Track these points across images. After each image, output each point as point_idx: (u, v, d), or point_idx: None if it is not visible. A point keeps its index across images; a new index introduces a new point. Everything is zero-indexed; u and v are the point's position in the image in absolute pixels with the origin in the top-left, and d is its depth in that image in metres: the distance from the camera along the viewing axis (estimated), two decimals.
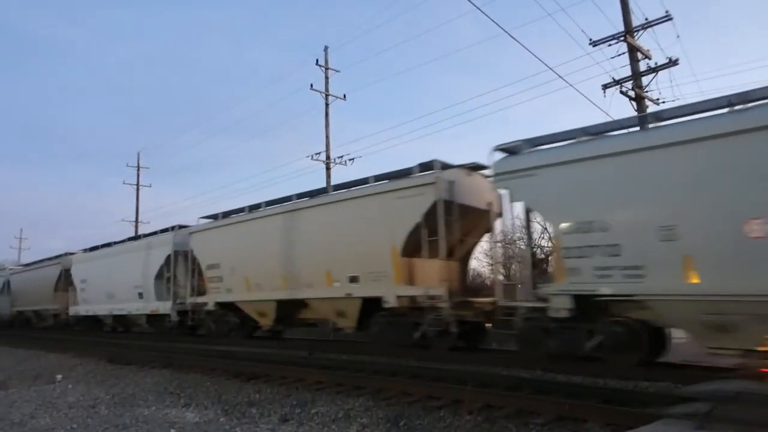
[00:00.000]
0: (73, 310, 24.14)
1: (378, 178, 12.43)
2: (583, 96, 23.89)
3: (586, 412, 5.80)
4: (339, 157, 23.77)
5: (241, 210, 16.13)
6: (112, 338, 19.51)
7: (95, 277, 22.50)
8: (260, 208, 15.34)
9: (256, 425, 6.48)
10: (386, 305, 11.38)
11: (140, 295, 19.42)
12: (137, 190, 38.07)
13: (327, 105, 24.01)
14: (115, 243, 22.90)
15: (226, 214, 16.66)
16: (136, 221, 37.56)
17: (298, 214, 13.76)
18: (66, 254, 25.99)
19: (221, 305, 16.12)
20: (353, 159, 23.74)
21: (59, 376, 11.02)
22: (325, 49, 24.59)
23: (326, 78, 24.23)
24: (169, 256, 18.40)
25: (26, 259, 44.99)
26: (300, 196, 14.42)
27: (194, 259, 17.31)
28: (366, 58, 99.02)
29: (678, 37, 20.12)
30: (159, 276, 18.67)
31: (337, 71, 24.61)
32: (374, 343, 11.97)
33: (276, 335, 16.19)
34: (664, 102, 16.55)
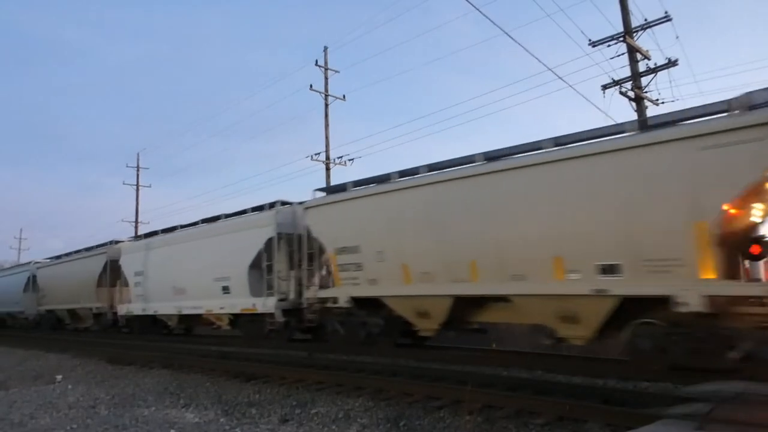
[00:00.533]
0: (123, 309, 20.27)
1: (643, 124, 8.77)
2: (582, 96, 23.96)
3: (586, 413, 5.81)
4: (339, 158, 23.83)
5: (384, 177, 11.96)
6: (111, 339, 19.23)
7: (157, 269, 18.64)
8: (418, 173, 11.30)
9: (256, 425, 6.48)
10: (683, 309, 7.66)
11: (225, 289, 15.56)
12: (137, 190, 38.07)
13: (326, 105, 24.05)
14: (183, 226, 18.84)
15: (365, 182, 12.50)
16: (136, 221, 37.58)
17: (507, 176, 9.68)
18: (113, 242, 22.46)
19: (358, 301, 12.12)
20: (353, 159, 23.81)
21: (59, 377, 11.02)
22: (325, 49, 24.63)
23: (326, 78, 24.26)
24: (270, 240, 14.36)
25: (26, 259, 44.83)
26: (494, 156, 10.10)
27: (312, 242, 13.43)
28: (366, 59, 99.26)
29: (677, 37, 20.18)
30: (254, 265, 14.70)
31: (336, 71, 24.66)
32: (638, 364, 8.25)
33: (418, 342, 12.18)
34: (663, 102, 16.61)
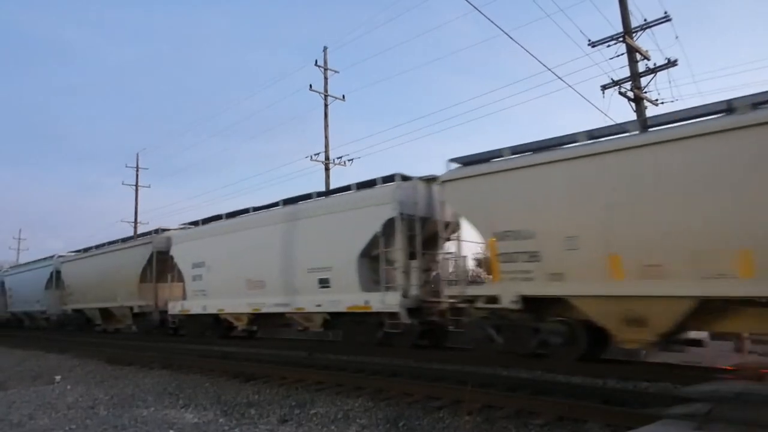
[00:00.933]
0: (175, 307, 17.36)
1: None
2: (581, 97, 23.94)
3: (586, 413, 5.81)
4: (338, 158, 23.85)
5: (565, 139, 9.24)
6: (111, 339, 19.18)
7: (224, 259, 15.66)
8: (626, 132, 8.64)
9: (255, 426, 6.47)
10: None
11: (322, 282, 12.73)
12: (136, 190, 38.06)
13: (326, 105, 24.07)
14: (256, 209, 15.51)
15: (522, 149, 9.79)
16: (135, 222, 37.57)
17: None
18: (158, 230, 19.51)
19: (528, 301, 9.29)
20: (352, 159, 23.80)
21: (58, 377, 11.00)
22: (324, 49, 24.66)
23: (325, 78, 24.28)
24: (390, 222, 11.60)
25: (25, 260, 44.71)
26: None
27: (451, 225, 11.28)
28: (366, 59, 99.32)
29: (677, 37, 20.27)
30: (365, 254, 12.10)
31: (336, 72, 24.68)
32: None
33: (592, 353, 9.28)
34: (663, 103, 16.61)
